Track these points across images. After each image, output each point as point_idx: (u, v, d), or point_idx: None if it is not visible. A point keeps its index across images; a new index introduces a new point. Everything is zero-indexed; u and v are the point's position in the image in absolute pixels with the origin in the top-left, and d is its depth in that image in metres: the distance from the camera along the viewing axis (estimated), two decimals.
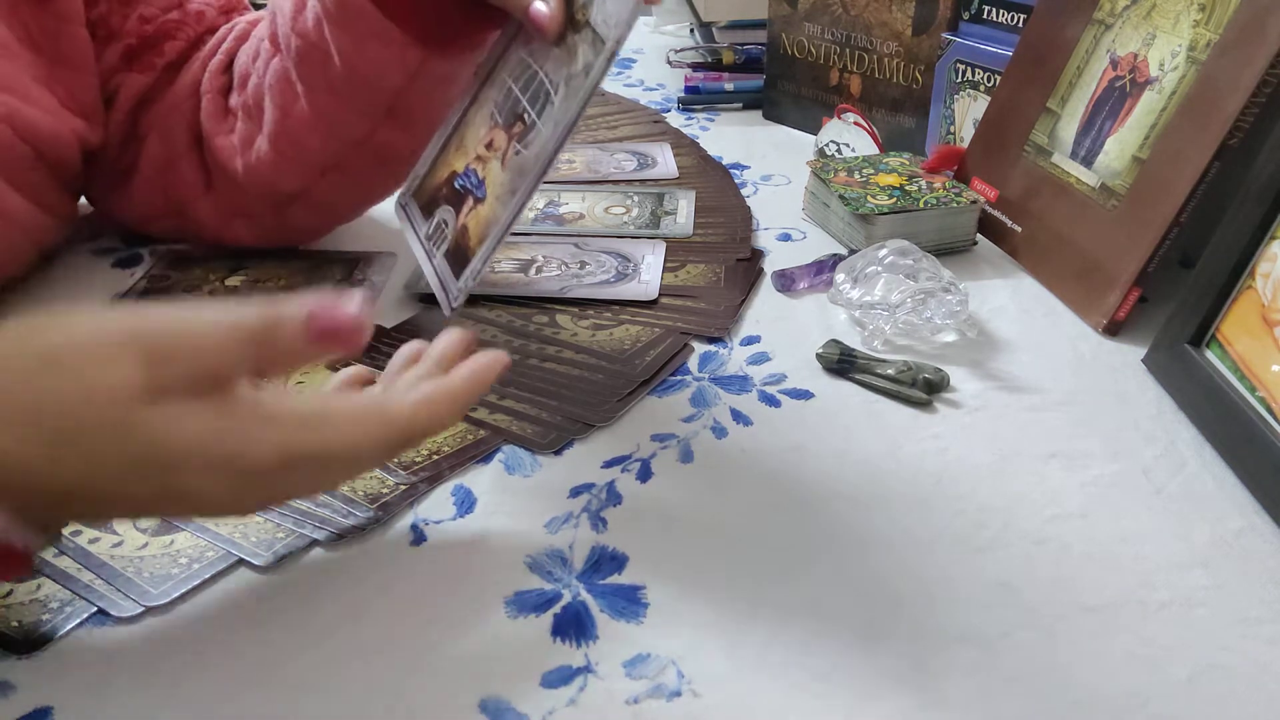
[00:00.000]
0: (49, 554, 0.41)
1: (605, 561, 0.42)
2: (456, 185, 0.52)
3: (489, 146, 0.51)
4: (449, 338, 0.43)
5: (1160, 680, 0.37)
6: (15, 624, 0.38)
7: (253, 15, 0.67)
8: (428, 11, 0.52)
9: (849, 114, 0.86)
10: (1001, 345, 0.58)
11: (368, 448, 0.35)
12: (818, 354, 0.56)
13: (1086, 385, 0.55)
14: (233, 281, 0.64)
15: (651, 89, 1.10)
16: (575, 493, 0.46)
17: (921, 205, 0.67)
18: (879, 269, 0.59)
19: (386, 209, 0.65)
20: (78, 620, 0.38)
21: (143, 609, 0.39)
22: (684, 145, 0.90)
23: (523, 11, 0.48)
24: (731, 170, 0.84)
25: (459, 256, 0.50)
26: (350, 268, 0.66)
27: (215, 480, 0.32)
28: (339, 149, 0.59)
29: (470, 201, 0.51)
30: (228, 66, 0.64)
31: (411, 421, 0.36)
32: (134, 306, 0.32)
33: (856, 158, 0.77)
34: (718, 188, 0.80)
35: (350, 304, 0.33)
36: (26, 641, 0.37)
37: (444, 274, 0.51)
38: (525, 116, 0.49)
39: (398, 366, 0.44)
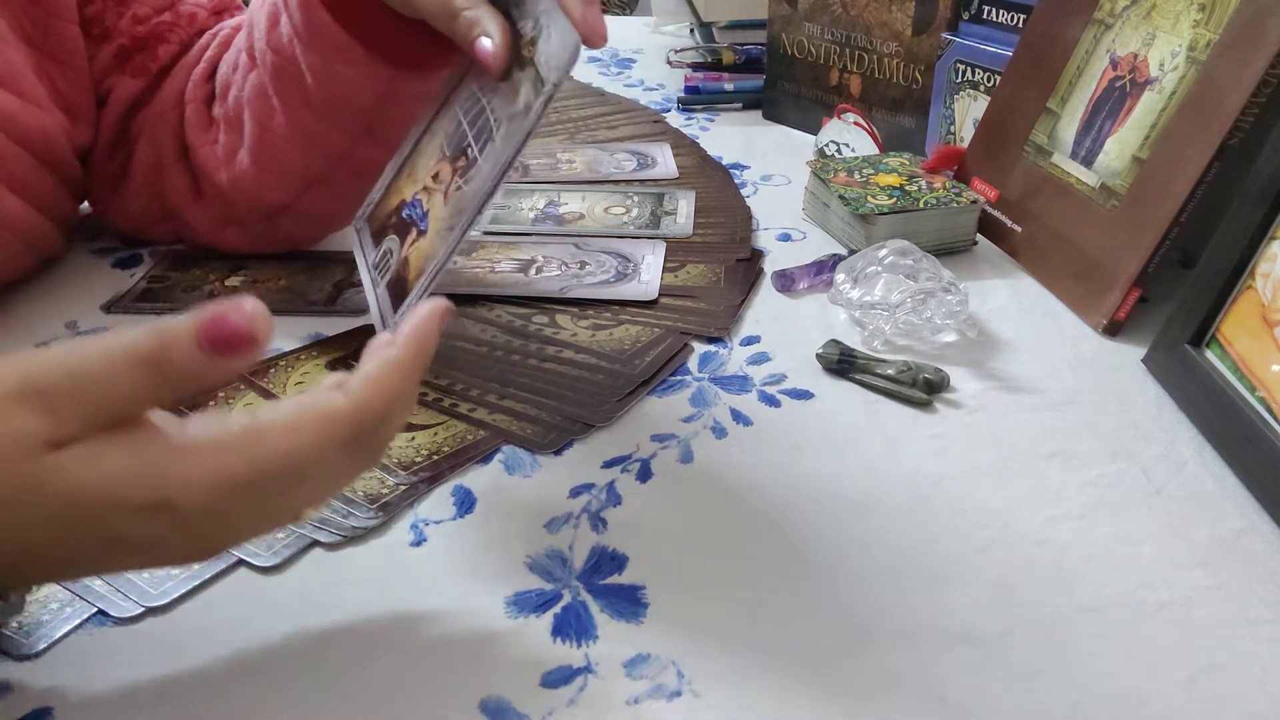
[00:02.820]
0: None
1: (605, 561, 0.42)
2: (404, 215, 0.52)
3: (435, 178, 0.50)
4: (414, 318, 0.37)
5: (1160, 680, 0.37)
6: (15, 624, 0.38)
7: (237, 19, 0.67)
8: (392, 32, 0.51)
9: (849, 114, 0.86)
10: (1001, 345, 0.58)
11: (314, 453, 0.31)
12: (818, 354, 0.56)
13: (1086, 385, 0.55)
14: (232, 282, 0.64)
15: (651, 89, 1.10)
16: (575, 493, 0.46)
17: (921, 205, 0.67)
18: (879, 269, 0.59)
19: None
20: (77, 621, 0.38)
21: (143, 609, 0.39)
22: (684, 145, 0.90)
23: (469, 45, 0.47)
24: (731, 170, 0.84)
25: (398, 289, 0.50)
26: (350, 268, 0.66)
27: (158, 525, 0.30)
28: (320, 164, 0.59)
29: (414, 233, 0.50)
30: (211, 75, 0.63)
31: (359, 407, 0.32)
32: (20, 353, 0.30)
33: (856, 158, 0.77)
34: (718, 188, 0.80)
35: (241, 308, 0.29)
36: (26, 642, 0.37)
37: (384, 305, 0.50)
38: (469, 151, 0.48)
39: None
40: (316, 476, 0.32)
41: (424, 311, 0.35)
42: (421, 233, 0.49)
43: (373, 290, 0.52)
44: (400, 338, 0.34)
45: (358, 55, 0.52)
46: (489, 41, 0.46)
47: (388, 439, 0.34)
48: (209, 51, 0.64)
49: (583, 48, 0.43)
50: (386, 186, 0.55)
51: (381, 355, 0.33)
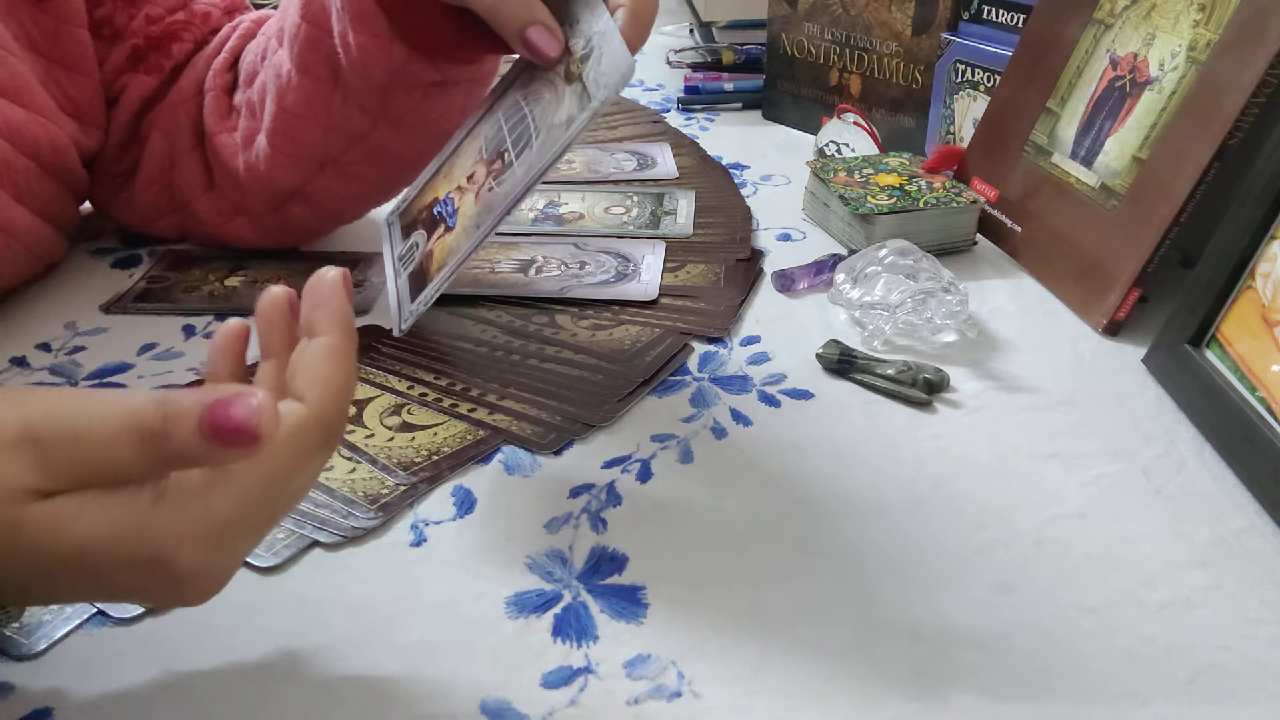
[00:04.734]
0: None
1: (605, 562, 0.42)
2: (435, 211, 0.53)
3: (470, 179, 0.52)
4: (319, 297, 0.34)
5: (1160, 680, 0.37)
6: (15, 625, 0.38)
7: (257, 14, 0.68)
8: (419, 13, 0.51)
9: (849, 114, 0.86)
10: (1001, 345, 0.58)
11: (293, 466, 0.31)
12: (818, 354, 0.56)
13: (1086, 385, 0.55)
14: (232, 282, 0.64)
15: (651, 89, 1.10)
16: (575, 493, 0.46)
17: (921, 205, 0.67)
18: (879, 269, 0.59)
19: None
20: (77, 621, 0.38)
21: (143, 609, 0.39)
22: (684, 145, 0.90)
23: (516, 35, 0.48)
24: (731, 170, 0.84)
25: (419, 280, 0.51)
26: (350, 268, 0.66)
27: (151, 578, 0.30)
28: (336, 144, 0.59)
29: (441, 228, 0.52)
30: (232, 64, 0.64)
31: (322, 407, 0.32)
32: (27, 394, 0.30)
33: (856, 158, 0.77)
34: (718, 188, 0.80)
35: (248, 402, 0.28)
36: (26, 643, 0.37)
37: (403, 294, 0.52)
38: (505, 155, 0.50)
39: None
40: (299, 482, 0.33)
41: (327, 288, 0.34)
42: (449, 229, 0.51)
43: (394, 280, 0.54)
44: (320, 321, 0.33)
45: (381, 28, 0.52)
46: (542, 31, 0.48)
47: (346, 420, 0.34)
48: (230, 42, 0.65)
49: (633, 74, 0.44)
50: (423, 185, 0.57)
51: (317, 348, 0.33)
